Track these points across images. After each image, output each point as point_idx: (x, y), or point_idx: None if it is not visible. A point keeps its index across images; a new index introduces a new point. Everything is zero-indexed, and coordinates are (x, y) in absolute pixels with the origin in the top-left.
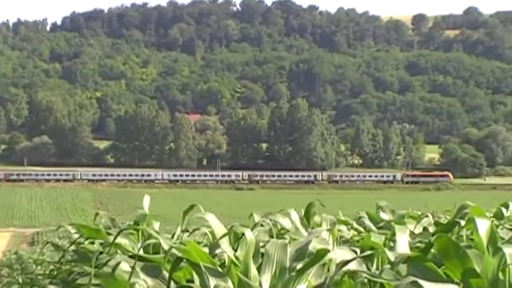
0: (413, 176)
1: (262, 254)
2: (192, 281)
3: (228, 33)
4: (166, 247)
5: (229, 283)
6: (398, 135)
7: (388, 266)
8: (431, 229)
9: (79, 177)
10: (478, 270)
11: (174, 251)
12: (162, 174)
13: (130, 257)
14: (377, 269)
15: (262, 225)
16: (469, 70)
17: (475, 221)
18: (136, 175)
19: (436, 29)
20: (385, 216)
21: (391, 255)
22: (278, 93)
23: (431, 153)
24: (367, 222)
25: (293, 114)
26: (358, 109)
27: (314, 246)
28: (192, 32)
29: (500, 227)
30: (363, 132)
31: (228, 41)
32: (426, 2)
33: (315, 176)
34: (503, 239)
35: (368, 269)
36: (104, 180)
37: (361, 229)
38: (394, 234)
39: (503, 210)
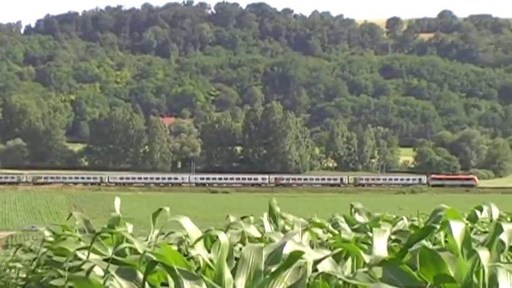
0: (439, 179)
1: (236, 258)
2: (167, 284)
3: (203, 36)
4: (141, 250)
5: (204, 286)
6: (372, 139)
7: (362, 269)
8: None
9: (106, 180)
10: (452, 273)
11: (149, 254)
12: (189, 178)
13: (104, 260)
14: (352, 271)
15: (236, 228)
16: (443, 73)
17: (449, 224)
18: (164, 178)
19: (410, 33)
20: (360, 218)
21: (366, 258)
22: (253, 96)
23: (406, 156)
24: (342, 225)
25: (268, 117)
26: (333, 112)
27: (289, 248)
28: (166, 35)
29: (474, 229)
30: (338, 136)
31: (203, 44)
32: (400, 6)
33: (341, 179)
34: (477, 241)
35: (342, 271)
36: (131, 183)
37: (336, 232)
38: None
39: (477, 213)
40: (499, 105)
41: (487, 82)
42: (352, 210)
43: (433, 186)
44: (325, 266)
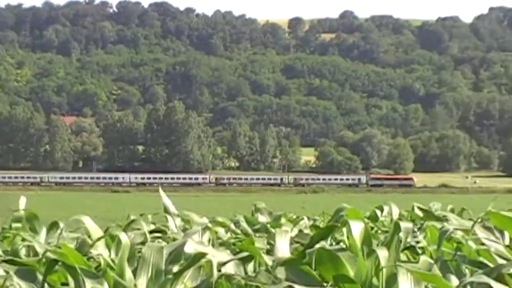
0: (378, 179)
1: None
2: (67, 284)
3: (104, 35)
4: (40, 250)
5: (105, 285)
6: (274, 138)
7: (264, 269)
8: (307, 232)
9: (46, 180)
10: (352, 273)
11: (49, 254)
12: (129, 178)
13: (4, 261)
14: (254, 271)
15: (138, 228)
16: (344, 74)
17: (349, 224)
18: (104, 178)
19: (312, 33)
20: (262, 218)
21: (268, 259)
22: (155, 95)
23: (308, 156)
24: (244, 225)
25: (170, 116)
26: (235, 112)
27: (191, 248)
28: (67, 34)
29: (375, 229)
30: (240, 135)
31: (104, 42)
32: (302, 6)
33: (281, 179)
34: (379, 240)
35: (245, 272)
36: (71, 183)
37: (238, 231)
38: (273, 236)
39: (378, 212)
40: (399, 105)
41: (387, 83)
42: (254, 209)
43: (372, 186)
44: (228, 267)
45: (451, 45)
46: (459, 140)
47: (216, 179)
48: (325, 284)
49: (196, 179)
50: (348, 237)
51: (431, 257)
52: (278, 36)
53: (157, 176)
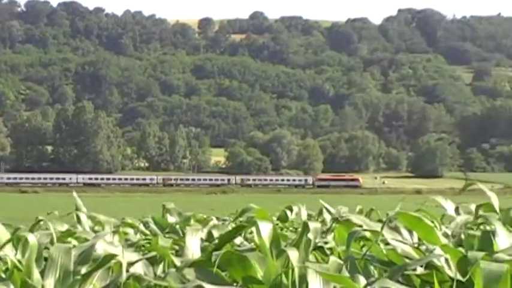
0: (324, 180)
1: (45, 258)
2: None
3: (12, 34)
4: None
5: (11, 287)
6: (184, 139)
7: (174, 270)
8: (216, 232)
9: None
10: (261, 273)
11: None
12: (77, 178)
13: None
14: (164, 272)
15: (47, 228)
16: (254, 74)
17: (258, 224)
18: (51, 178)
19: (222, 33)
20: (172, 219)
21: (176, 260)
22: (63, 95)
23: (217, 157)
24: (153, 226)
25: (79, 116)
26: (145, 112)
27: (101, 249)
28: None
29: (285, 229)
30: (149, 136)
31: (12, 42)
32: (212, 6)
33: (229, 179)
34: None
35: (154, 272)
36: (18, 183)
37: (148, 232)
38: (184, 237)
39: (288, 213)
40: (309, 106)
41: (297, 83)
42: (164, 210)
43: (318, 186)
44: (137, 268)
45: (360, 47)
46: (368, 141)
47: (163, 179)
48: (235, 284)
49: (144, 179)
50: (256, 238)
51: (339, 258)
52: (188, 36)
53: (105, 176)
